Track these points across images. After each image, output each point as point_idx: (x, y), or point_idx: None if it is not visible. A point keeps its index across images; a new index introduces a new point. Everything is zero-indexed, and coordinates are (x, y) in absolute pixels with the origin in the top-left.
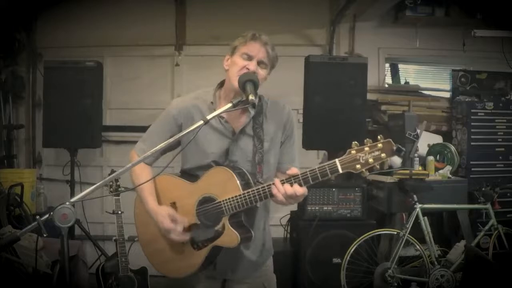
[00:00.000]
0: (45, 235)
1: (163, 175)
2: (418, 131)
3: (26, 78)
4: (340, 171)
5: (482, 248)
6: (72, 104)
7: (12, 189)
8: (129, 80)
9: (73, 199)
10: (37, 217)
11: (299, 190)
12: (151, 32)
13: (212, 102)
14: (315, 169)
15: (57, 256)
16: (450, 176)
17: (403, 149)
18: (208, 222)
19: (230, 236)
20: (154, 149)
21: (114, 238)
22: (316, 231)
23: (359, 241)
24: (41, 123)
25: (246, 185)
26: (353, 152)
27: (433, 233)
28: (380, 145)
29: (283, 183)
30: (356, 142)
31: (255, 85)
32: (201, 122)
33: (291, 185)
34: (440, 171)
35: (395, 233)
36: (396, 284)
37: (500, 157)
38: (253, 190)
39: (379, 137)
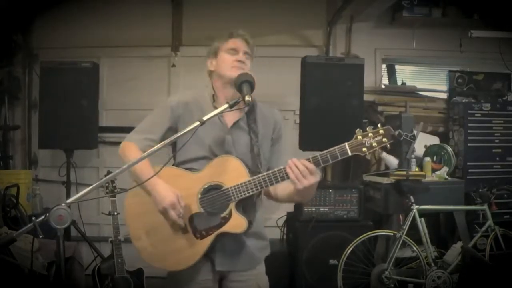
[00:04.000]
0: (41, 236)
1: (165, 167)
2: (415, 132)
3: (22, 79)
4: (349, 153)
5: (479, 250)
6: (68, 105)
7: (8, 190)
8: (126, 81)
9: (69, 200)
10: (33, 218)
11: (310, 165)
12: (148, 33)
13: (213, 94)
14: (325, 152)
15: (53, 258)
16: (447, 177)
17: (403, 133)
18: (213, 210)
19: (237, 221)
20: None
21: (110, 239)
22: (313, 232)
23: (355, 242)
24: (37, 124)
25: (251, 172)
26: (359, 137)
27: (430, 234)
28: (381, 131)
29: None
30: (359, 129)
31: (251, 86)
32: (197, 123)
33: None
34: (437, 172)
35: (392, 234)
36: (392, 285)
37: (497, 158)
38: (263, 175)
39: (379, 125)
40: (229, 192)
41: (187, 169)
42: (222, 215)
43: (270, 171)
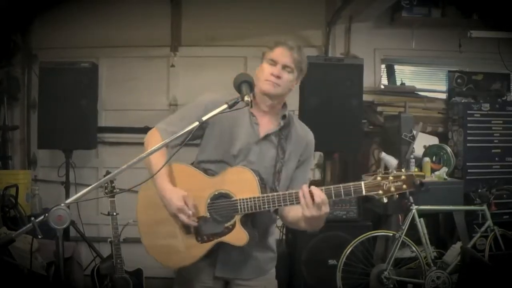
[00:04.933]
0: (40, 237)
1: (180, 164)
2: (414, 132)
3: (21, 79)
4: (364, 193)
5: (478, 250)
6: (67, 105)
7: (7, 190)
8: (125, 81)
9: (68, 201)
10: (32, 218)
11: (322, 195)
12: (147, 33)
13: (251, 100)
14: (340, 186)
15: (52, 258)
16: (446, 177)
17: (427, 187)
18: (219, 218)
19: (239, 235)
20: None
21: (109, 239)
22: (312, 233)
23: (355, 242)
24: (36, 124)
25: (263, 188)
26: (379, 178)
27: (429, 235)
28: (403, 177)
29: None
30: (381, 169)
31: (251, 86)
32: (196, 123)
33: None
34: (436, 173)
35: (391, 234)
36: (392, 285)
37: (496, 159)
38: (273, 195)
39: (402, 169)
40: (237, 204)
41: (204, 169)
42: (226, 225)
43: (281, 193)
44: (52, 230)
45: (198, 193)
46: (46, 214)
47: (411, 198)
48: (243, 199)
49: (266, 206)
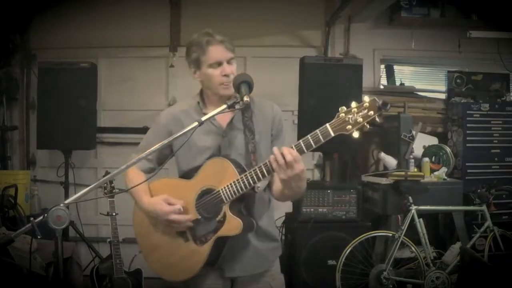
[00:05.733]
0: (39, 237)
1: (159, 180)
2: (414, 132)
3: (20, 80)
4: (332, 134)
5: (477, 250)
6: (66, 105)
7: (6, 190)
8: (124, 81)
9: (67, 201)
10: (31, 218)
11: (294, 153)
12: (146, 33)
13: (198, 102)
14: (307, 137)
15: (51, 258)
16: (446, 177)
17: (388, 102)
18: (208, 214)
19: (232, 223)
20: (148, 150)
21: (108, 240)
22: (311, 233)
23: (354, 243)
24: (35, 124)
25: (242, 171)
26: (342, 115)
27: (428, 235)
28: (366, 104)
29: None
30: (343, 106)
31: (250, 86)
32: (196, 123)
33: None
34: (436, 173)
35: (390, 235)
36: (391, 286)
37: (495, 159)
38: (250, 172)
39: (364, 97)
40: (220, 195)
41: (190, 176)
42: (217, 219)
43: (256, 167)
44: (51, 231)
45: (184, 199)
46: (45, 215)
47: (410, 198)
48: (224, 187)
49: (247, 184)
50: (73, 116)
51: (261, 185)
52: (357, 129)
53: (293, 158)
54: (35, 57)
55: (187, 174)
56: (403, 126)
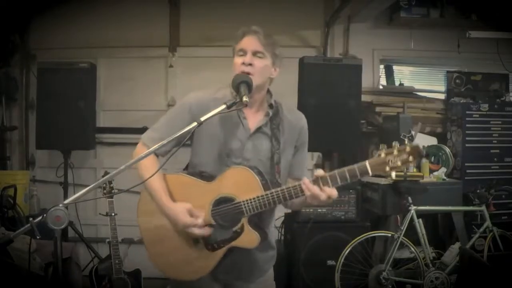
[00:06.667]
0: (38, 237)
1: (174, 174)
2: (413, 132)
3: (20, 80)
4: (370, 173)
5: (477, 250)
6: (66, 105)
7: (5, 191)
8: (123, 81)
9: (66, 201)
10: (30, 219)
11: (329, 191)
12: (145, 34)
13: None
14: (344, 169)
15: (51, 258)
16: (445, 178)
17: (428, 153)
18: (224, 223)
19: (250, 236)
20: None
21: (107, 240)
22: (310, 233)
23: (353, 243)
24: (35, 124)
25: (266, 185)
26: (383, 155)
27: (427, 235)
28: (408, 149)
29: (313, 184)
30: (384, 144)
31: (249, 86)
32: (195, 123)
33: (320, 188)
34: (435, 173)
35: (390, 235)
36: (390, 286)
37: (495, 159)
38: (277, 191)
39: (406, 141)
40: (241, 206)
41: (200, 172)
42: (234, 229)
43: (285, 188)
44: (50, 231)
45: (198, 201)
46: (45, 215)
47: (409, 198)
48: (247, 200)
49: (272, 203)
50: (72, 116)
51: None
52: (395, 171)
53: (328, 196)
54: (35, 57)
55: (200, 168)
56: (402, 126)
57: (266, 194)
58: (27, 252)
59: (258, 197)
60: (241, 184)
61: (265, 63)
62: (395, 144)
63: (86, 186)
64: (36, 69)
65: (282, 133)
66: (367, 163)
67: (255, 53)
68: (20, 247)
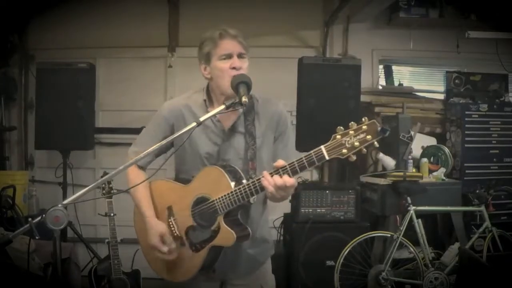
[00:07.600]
0: (37, 238)
1: (157, 181)
2: (412, 133)
3: (18, 80)
4: (327, 157)
5: (476, 251)
6: (65, 106)
7: (4, 191)
8: (122, 81)
9: (65, 201)
10: (29, 219)
11: (289, 180)
12: (144, 34)
13: (205, 100)
14: (302, 158)
15: (50, 259)
16: (444, 178)
17: (388, 129)
18: (203, 223)
19: (225, 235)
20: (146, 151)
21: (106, 240)
22: (310, 234)
23: (352, 243)
24: (33, 125)
25: (238, 182)
26: (338, 137)
27: (427, 236)
28: (364, 127)
29: (272, 175)
30: (341, 126)
31: (248, 87)
32: (194, 124)
33: (280, 176)
34: (434, 173)
35: (389, 235)
36: (390, 286)
37: (494, 159)
38: (244, 186)
39: (363, 119)
40: (215, 205)
41: (184, 179)
42: (212, 228)
43: (250, 182)
44: (49, 231)
45: (180, 204)
46: (43, 215)
47: (409, 199)
48: (219, 198)
49: (241, 198)
50: (71, 116)
51: (256, 197)
52: (353, 153)
53: (284, 183)
54: (33, 57)
55: (186, 173)
56: (402, 126)
57: (235, 190)
58: (26, 253)
59: (228, 194)
60: (212, 183)
61: (247, 63)
62: (352, 124)
63: (85, 186)
64: (35, 69)
65: (259, 127)
66: (322, 147)
67: (239, 55)
68: (19, 248)
